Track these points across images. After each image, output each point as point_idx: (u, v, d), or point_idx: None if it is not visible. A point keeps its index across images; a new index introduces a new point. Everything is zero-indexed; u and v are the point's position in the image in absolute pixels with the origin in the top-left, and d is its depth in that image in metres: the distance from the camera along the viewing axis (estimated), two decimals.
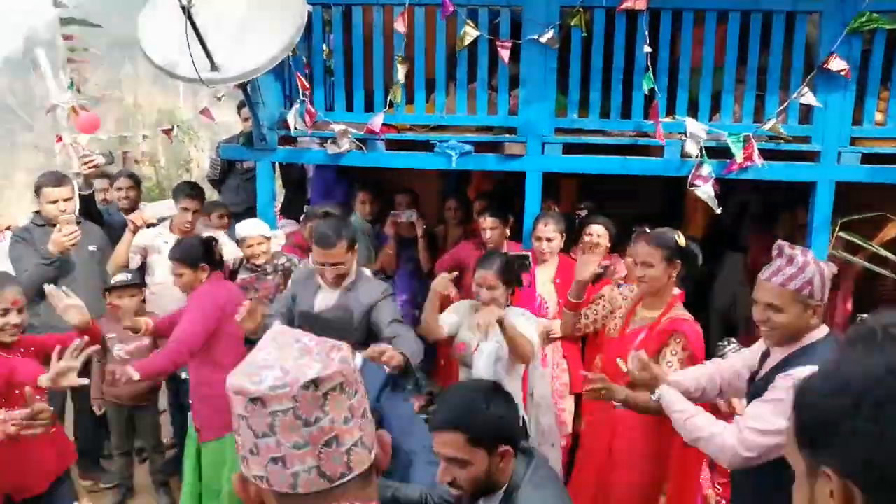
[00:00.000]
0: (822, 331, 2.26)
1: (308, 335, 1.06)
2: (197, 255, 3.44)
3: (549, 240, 3.94)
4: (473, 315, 3.32)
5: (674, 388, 2.48)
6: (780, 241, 2.32)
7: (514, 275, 3.40)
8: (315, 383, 0.98)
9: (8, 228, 4.04)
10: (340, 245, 3.18)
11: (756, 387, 2.34)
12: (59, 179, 3.98)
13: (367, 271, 3.70)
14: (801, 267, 2.20)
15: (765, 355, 2.43)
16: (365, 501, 1.02)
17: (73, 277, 3.87)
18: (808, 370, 1.71)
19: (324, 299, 3.28)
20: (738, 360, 2.66)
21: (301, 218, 5.07)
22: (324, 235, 3.20)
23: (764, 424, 2.12)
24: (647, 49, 3.89)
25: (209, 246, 3.50)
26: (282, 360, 1.01)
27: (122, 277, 3.94)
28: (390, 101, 4.21)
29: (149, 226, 4.34)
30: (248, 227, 4.21)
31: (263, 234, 4.21)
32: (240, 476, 1.04)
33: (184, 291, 3.51)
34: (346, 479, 1.01)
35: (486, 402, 1.92)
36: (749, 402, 2.34)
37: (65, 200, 3.94)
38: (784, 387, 2.10)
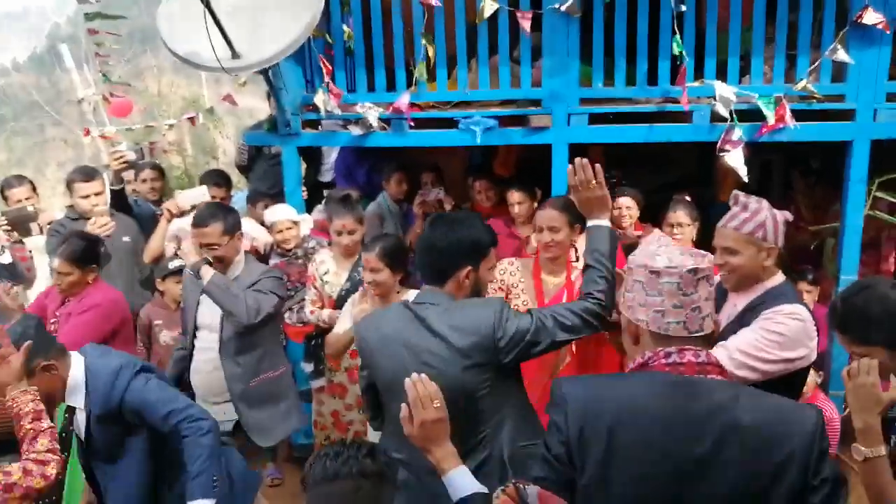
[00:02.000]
0: (780, 277, 2.45)
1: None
2: (88, 254, 3.40)
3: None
4: (355, 306, 3.31)
5: None
6: (735, 191, 2.50)
7: (399, 257, 3.28)
8: (694, 271, 1.58)
9: (49, 223, 4.11)
10: (213, 226, 3.26)
11: (724, 330, 2.44)
12: (89, 174, 4.06)
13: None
14: (754, 212, 2.39)
15: (724, 295, 2.54)
16: (704, 350, 1.60)
17: (110, 268, 3.93)
18: (791, 307, 2.29)
19: None
20: None
21: (324, 201, 5.09)
22: (198, 214, 3.33)
23: (760, 353, 2.26)
24: (683, 7, 3.79)
25: (96, 245, 3.48)
26: (668, 253, 1.63)
27: (177, 263, 3.99)
28: (414, 79, 4.18)
29: (182, 213, 4.39)
30: (277, 213, 4.24)
31: (292, 218, 4.24)
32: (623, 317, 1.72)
33: (66, 292, 3.45)
34: (698, 335, 1.60)
35: None
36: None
37: (96, 195, 4.02)
38: (777, 324, 2.27)
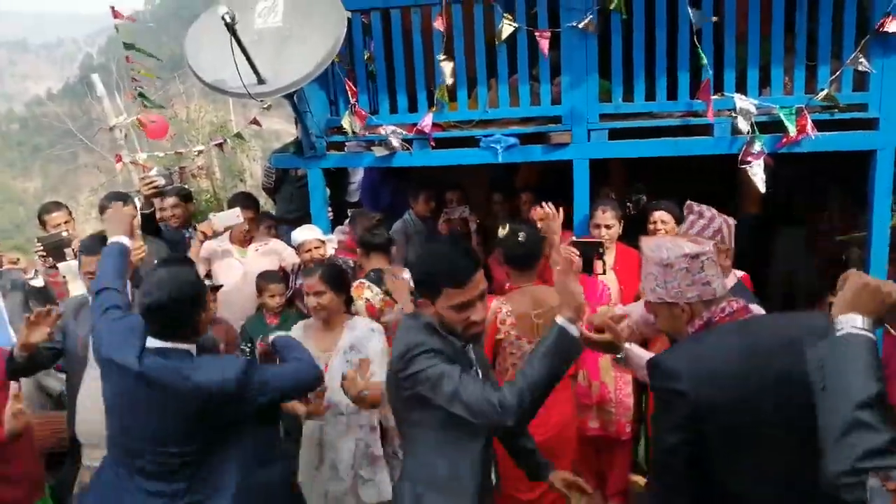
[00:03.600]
0: (734, 277, 2.79)
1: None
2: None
3: (607, 227, 3.91)
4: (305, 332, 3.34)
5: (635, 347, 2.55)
6: (689, 201, 2.78)
7: (341, 280, 3.33)
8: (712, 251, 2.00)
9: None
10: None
11: None
12: (120, 199, 4.15)
13: None
14: (710, 219, 2.69)
15: None
16: (734, 298, 2.02)
17: None
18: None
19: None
20: None
21: (347, 221, 5.16)
22: (85, 243, 3.29)
23: None
24: (714, 19, 3.82)
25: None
26: (691, 243, 2.02)
27: (208, 283, 4.04)
28: (436, 100, 4.25)
29: (215, 235, 4.47)
30: (305, 233, 4.29)
31: (319, 237, 4.30)
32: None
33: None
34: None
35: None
36: None
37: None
38: None
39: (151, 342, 2.37)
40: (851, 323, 1.57)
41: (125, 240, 2.93)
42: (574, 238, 3.67)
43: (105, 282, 2.71)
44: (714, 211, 2.74)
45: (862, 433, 1.44)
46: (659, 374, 1.90)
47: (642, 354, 2.38)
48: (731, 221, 2.75)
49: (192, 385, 2.28)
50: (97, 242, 3.24)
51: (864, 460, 1.41)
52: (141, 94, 5.07)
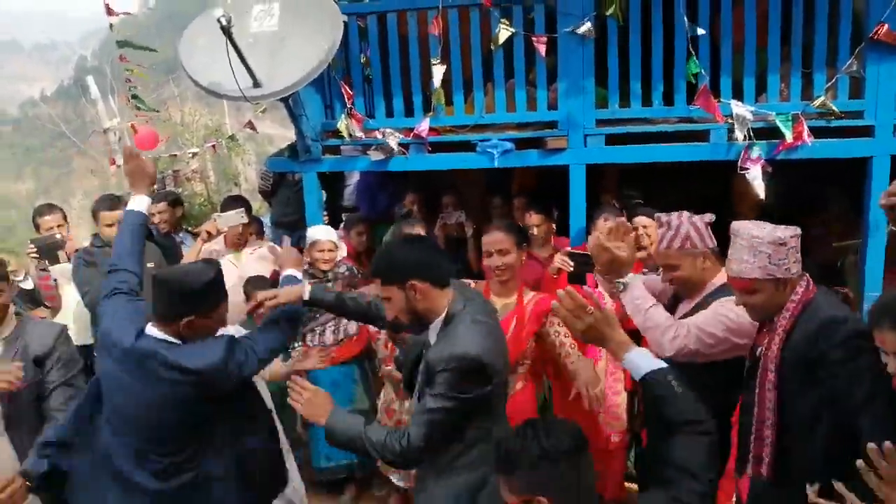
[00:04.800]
0: (722, 277, 2.74)
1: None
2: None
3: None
4: None
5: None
6: (657, 214, 2.82)
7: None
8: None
9: (76, 251, 4.18)
10: None
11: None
12: (113, 203, 4.11)
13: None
14: (676, 228, 2.73)
15: (676, 300, 2.98)
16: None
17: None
18: (729, 299, 2.57)
19: None
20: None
21: (342, 226, 5.13)
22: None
23: (711, 330, 2.60)
24: (701, 31, 3.81)
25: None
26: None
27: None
28: (432, 104, 4.24)
29: (218, 234, 4.43)
30: (322, 232, 4.22)
31: (334, 240, 4.25)
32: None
33: None
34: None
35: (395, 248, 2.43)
36: None
37: (120, 223, 4.07)
38: (725, 311, 2.62)
39: (150, 329, 2.44)
40: None
41: (145, 203, 2.93)
42: (570, 249, 3.67)
43: (117, 260, 2.75)
44: (684, 215, 2.79)
45: None
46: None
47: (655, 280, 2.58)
48: (704, 220, 2.79)
49: (181, 367, 2.36)
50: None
51: None
52: (134, 96, 5.02)
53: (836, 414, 2.24)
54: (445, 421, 2.18)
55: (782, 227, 2.33)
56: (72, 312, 4.24)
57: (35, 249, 4.07)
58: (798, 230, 2.33)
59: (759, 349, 2.49)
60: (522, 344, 3.20)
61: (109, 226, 4.06)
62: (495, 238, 3.15)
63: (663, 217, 2.82)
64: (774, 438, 2.37)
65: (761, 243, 2.28)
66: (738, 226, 2.40)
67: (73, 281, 4.09)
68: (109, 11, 4.34)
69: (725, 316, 2.62)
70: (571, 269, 3.42)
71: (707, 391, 2.61)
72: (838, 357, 2.18)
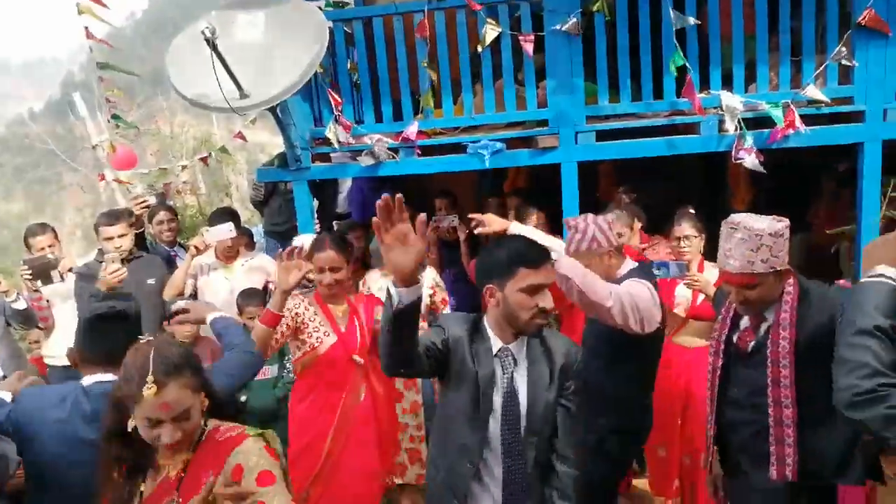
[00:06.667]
0: (630, 263, 2.95)
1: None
2: None
3: (618, 235, 3.81)
4: None
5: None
6: (566, 218, 2.99)
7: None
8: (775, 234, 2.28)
9: (70, 270, 4.14)
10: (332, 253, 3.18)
11: None
12: (113, 217, 4.10)
13: None
14: (583, 231, 2.87)
15: None
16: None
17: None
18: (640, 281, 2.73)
19: None
20: None
21: None
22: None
23: (637, 294, 2.68)
24: (691, 21, 3.81)
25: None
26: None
27: (181, 304, 3.96)
28: (421, 107, 4.22)
29: (206, 249, 4.40)
30: (308, 239, 4.21)
31: None
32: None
33: None
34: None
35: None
36: None
37: (119, 237, 4.04)
38: (637, 283, 2.74)
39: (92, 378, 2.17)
40: (877, 271, 1.76)
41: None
42: None
43: None
44: (589, 217, 2.92)
45: (858, 353, 1.68)
46: None
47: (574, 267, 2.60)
48: (607, 220, 2.93)
49: None
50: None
51: (864, 380, 1.65)
52: (115, 116, 4.97)
53: None
54: None
55: (776, 218, 2.34)
56: (68, 330, 4.19)
57: (28, 270, 4.03)
58: (788, 222, 2.35)
59: (751, 344, 2.45)
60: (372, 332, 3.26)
61: (108, 239, 4.03)
62: (329, 256, 3.21)
63: (570, 221, 2.95)
64: (796, 436, 2.32)
65: (762, 236, 2.27)
66: (736, 219, 2.36)
67: (75, 296, 4.07)
68: (89, 35, 4.29)
69: (634, 288, 2.71)
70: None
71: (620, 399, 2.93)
72: None
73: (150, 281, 4.18)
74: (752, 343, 2.46)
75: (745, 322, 2.51)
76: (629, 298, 2.63)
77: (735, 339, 2.52)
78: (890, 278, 1.73)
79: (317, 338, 3.19)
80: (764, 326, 2.42)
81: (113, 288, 3.69)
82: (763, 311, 2.41)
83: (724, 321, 2.57)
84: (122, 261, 3.90)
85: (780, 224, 2.32)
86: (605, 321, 2.68)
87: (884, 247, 1.78)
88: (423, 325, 3.80)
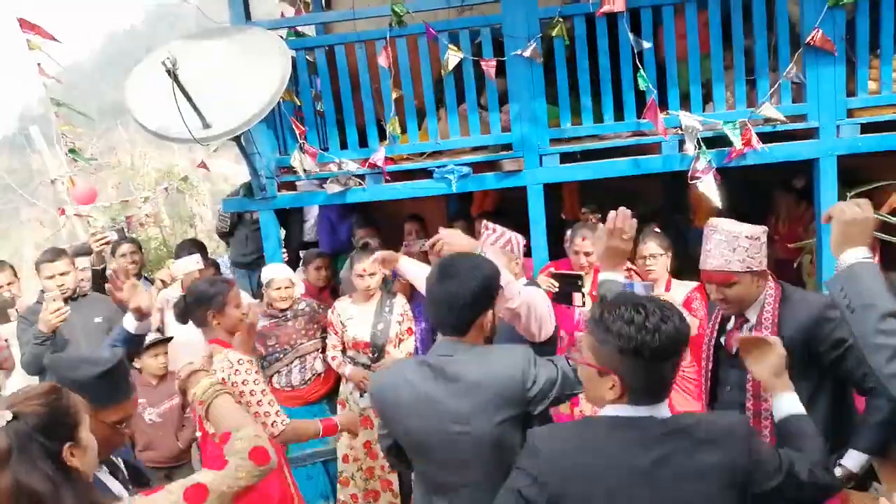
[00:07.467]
0: (524, 280, 3.05)
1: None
2: None
3: (587, 254, 3.83)
4: None
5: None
6: (484, 220, 3.07)
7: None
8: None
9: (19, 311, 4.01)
10: None
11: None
12: (55, 255, 3.90)
13: None
14: (500, 233, 3.00)
15: None
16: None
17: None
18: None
19: None
20: None
21: (301, 262, 5.07)
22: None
23: (535, 298, 2.69)
24: (647, 45, 3.90)
25: None
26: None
27: (153, 337, 3.87)
28: (388, 133, 4.23)
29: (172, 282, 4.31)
30: (277, 270, 4.17)
31: (291, 277, 4.20)
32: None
33: None
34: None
35: None
36: None
37: (61, 275, 3.83)
38: (535, 289, 2.81)
39: None
40: (855, 256, 1.76)
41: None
42: (553, 270, 3.67)
43: None
44: (504, 229, 3.05)
45: (890, 337, 1.67)
46: None
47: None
48: (522, 239, 3.07)
49: None
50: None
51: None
52: (72, 150, 4.88)
53: (833, 389, 2.38)
54: None
55: (752, 225, 2.48)
56: (22, 373, 4.06)
57: None
58: (766, 228, 2.50)
59: (735, 347, 2.52)
60: None
61: (50, 277, 3.87)
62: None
63: (490, 224, 3.06)
64: (773, 428, 2.39)
65: (739, 237, 2.41)
66: (716, 222, 2.51)
67: (18, 341, 3.92)
68: (41, 72, 4.20)
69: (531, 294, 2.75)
70: (557, 289, 3.43)
71: None
72: (844, 334, 2.28)
73: (97, 319, 3.98)
74: (736, 346, 2.52)
75: (731, 325, 2.61)
76: (531, 300, 2.66)
77: (723, 341, 2.62)
78: (868, 258, 1.77)
79: None
80: (747, 327, 2.52)
81: (54, 329, 3.47)
82: (743, 311, 2.53)
83: (712, 326, 2.68)
84: (66, 300, 3.70)
85: (757, 229, 2.45)
86: (510, 322, 2.68)
87: (855, 226, 1.77)
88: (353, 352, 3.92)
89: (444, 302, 2.09)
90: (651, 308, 1.59)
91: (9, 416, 1.51)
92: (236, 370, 2.77)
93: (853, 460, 2.33)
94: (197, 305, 2.98)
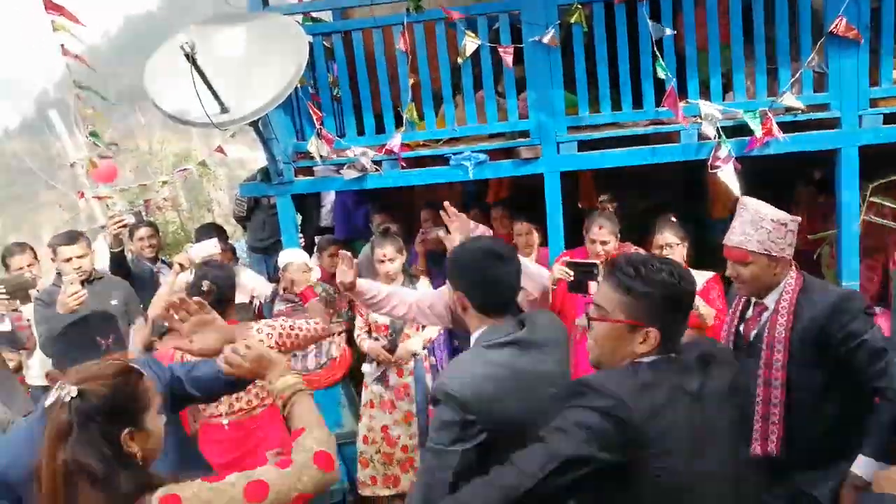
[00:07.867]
0: None
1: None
2: None
3: (604, 243, 3.80)
4: None
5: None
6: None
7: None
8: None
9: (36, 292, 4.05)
10: None
11: None
12: (71, 237, 3.95)
13: None
14: (475, 226, 2.92)
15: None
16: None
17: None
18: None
19: None
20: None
21: (315, 249, 5.09)
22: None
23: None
24: (669, 31, 3.85)
25: None
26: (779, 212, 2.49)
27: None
28: (404, 119, 4.22)
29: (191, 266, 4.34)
30: (294, 255, 4.19)
31: (307, 262, 4.22)
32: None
33: None
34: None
35: None
36: None
37: (78, 258, 3.88)
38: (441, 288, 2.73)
39: None
40: None
41: None
42: (568, 259, 3.65)
43: None
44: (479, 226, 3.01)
45: None
46: None
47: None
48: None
49: None
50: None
51: None
52: (92, 133, 4.92)
53: (850, 383, 2.36)
54: None
55: (783, 213, 2.49)
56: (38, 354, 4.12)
57: (4, 290, 3.96)
58: (798, 219, 2.50)
59: (753, 333, 2.56)
60: None
61: (66, 261, 3.90)
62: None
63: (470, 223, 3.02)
64: (782, 415, 2.44)
65: (764, 219, 2.43)
66: (746, 200, 2.55)
67: (34, 322, 3.96)
68: (65, 52, 4.24)
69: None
70: (571, 278, 3.42)
71: None
72: (859, 328, 2.31)
73: (114, 302, 4.03)
74: (754, 332, 2.57)
75: (750, 313, 2.62)
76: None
77: (742, 329, 2.63)
78: None
79: None
80: (766, 315, 2.53)
81: (72, 312, 3.48)
82: (758, 296, 2.55)
83: (733, 313, 2.69)
84: (83, 282, 3.75)
85: (786, 216, 2.46)
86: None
87: None
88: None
89: (508, 282, 2.12)
90: (667, 261, 1.73)
91: (74, 392, 1.53)
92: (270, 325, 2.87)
93: (863, 468, 2.32)
94: None
